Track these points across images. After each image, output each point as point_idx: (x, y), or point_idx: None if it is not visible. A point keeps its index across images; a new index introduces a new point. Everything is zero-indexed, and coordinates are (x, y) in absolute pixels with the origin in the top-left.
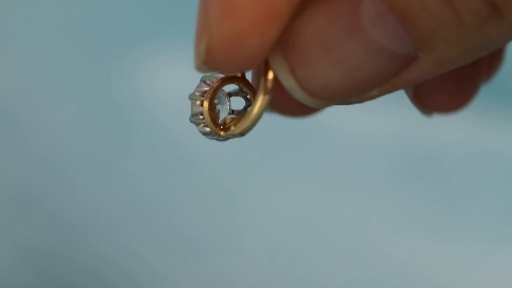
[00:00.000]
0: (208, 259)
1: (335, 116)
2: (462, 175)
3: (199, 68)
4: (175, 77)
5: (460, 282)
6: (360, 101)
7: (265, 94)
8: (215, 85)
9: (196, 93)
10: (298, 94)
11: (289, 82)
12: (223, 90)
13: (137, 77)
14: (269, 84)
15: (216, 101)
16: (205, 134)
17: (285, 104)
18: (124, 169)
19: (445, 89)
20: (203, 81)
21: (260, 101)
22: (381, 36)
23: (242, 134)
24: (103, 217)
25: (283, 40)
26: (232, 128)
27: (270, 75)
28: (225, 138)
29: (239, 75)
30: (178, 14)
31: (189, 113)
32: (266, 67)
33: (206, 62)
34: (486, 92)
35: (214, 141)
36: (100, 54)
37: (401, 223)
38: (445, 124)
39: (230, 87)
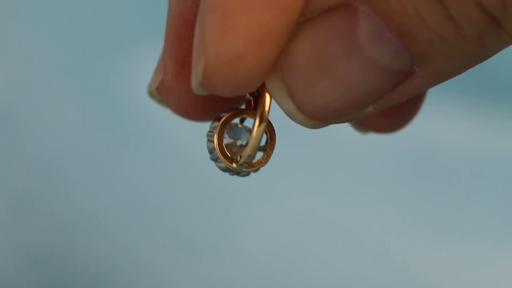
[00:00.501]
0: (207, 260)
1: None
2: (462, 175)
3: (196, 89)
4: None
5: (459, 282)
6: (356, 118)
7: (261, 122)
8: (223, 119)
9: (209, 130)
10: (298, 117)
11: (288, 106)
12: (242, 124)
13: (137, 77)
14: (266, 110)
15: (231, 135)
16: (223, 170)
17: (187, 108)
18: (123, 170)
19: (384, 111)
20: (216, 117)
21: (256, 128)
22: (379, 53)
23: (247, 163)
24: (102, 219)
25: (280, 63)
26: (239, 158)
27: (267, 101)
28: (239, 172)
29: (251, 107)
30: None
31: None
32: (263, 92)
33: (203, 83)
34: (486, 92)
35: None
36: (100, 55)
37: (400, 222)
38: (445, 124)
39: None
